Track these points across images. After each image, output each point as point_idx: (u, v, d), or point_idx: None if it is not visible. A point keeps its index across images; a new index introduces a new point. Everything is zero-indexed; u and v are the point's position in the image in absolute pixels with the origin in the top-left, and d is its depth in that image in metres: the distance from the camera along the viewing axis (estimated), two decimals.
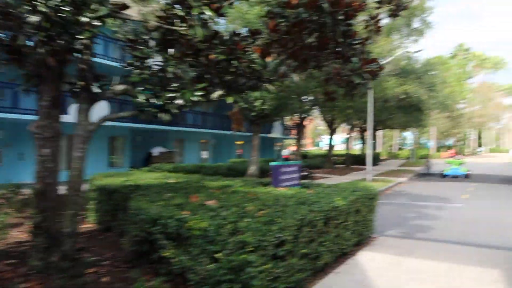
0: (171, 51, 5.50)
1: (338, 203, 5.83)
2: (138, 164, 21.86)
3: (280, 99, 17.69)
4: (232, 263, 3.90)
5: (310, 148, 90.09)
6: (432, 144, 66.34)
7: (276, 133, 37.03)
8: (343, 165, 36.16)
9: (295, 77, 6.43)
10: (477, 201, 14.86)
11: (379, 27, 6.91)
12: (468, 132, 73.77)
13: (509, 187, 20.67)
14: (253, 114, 18.89)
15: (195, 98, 5.52)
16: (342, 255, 6.42)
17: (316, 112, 28.90)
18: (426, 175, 29.28)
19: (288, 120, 33.54)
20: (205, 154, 29.79)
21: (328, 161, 31.67)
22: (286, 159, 9.53)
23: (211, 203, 5.25)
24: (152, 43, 5.84)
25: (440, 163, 36.54)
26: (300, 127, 25.64)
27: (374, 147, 50.86)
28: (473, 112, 62.59)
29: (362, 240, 7.32)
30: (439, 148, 68.65)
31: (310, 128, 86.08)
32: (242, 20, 15.63)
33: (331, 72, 6.81)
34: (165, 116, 5.68)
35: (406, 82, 23.32)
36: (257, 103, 17.98)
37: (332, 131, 32.26)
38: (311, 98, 22.54)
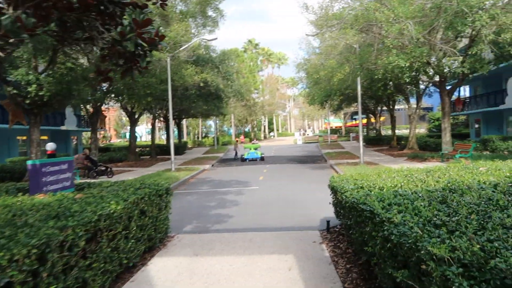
0: None
1: (112, 208, 4.48)
2: None
3: (62, 83, 14.78)
4: None
5: (114, 140, 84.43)
6: (232, 131, 71.73)
7: (70, 125, 32.32)
8: (149, 157, 34.63)
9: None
10: (271, 181, 15.95)
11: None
12: (261, 119, 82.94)
13: (294, 166, 23.47)
14: (27, 102, 15.29)
15: None
16: (127, 271, 5.14)
17: (114, 100, 26.25)
18: (228, 160, 30.79)
19: (82, 110, 29.64)
20: None
21: (132, 153, 29.55)
22: (52, 155, 7.38)
23: None
24: None
25: (241, 148, 39.49)
26: (95, 117, 22.71)
27: (181, 136, 51.20)
28: (264, 101, 70.51)
29: (155, 244, 6.21)
30: (238, 135, 74.95)
31: (113, 119, 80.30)
32: None
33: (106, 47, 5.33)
34: None
35: (204, 70, 23.48)
36: (31, 89, 14.56)
37: (134, 121, 30.20)
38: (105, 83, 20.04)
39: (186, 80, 22.05)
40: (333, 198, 6.61)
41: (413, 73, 18.57)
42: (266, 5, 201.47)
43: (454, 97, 33.18)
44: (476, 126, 37.32)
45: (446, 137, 20.44)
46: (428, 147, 27.51)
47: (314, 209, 9.57)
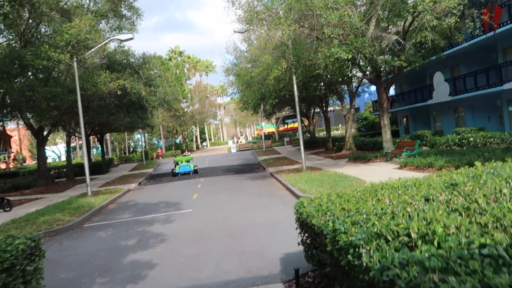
0: None
1: None
2: None
3: None
4: None
5: (29, 163, 75.44)
6: (162, 143, 67.56)
7: None
8: (65, 179, 30.14)
9: None
10: (207, 199, 13.54)
11: None
12: (192, 128, 79.68)
13: (231, 177, 21.26)
14: None
15: None
16: None
17: (11, 116, 22.00)
18: (158, 176, 27.73)
19: None
20: None
21: (42, 177, 25.13)
22: None
23: None
24: None
25: (170, 162, 36.27)
26: None
27: (104, 153, 46.38)
28: (193, 110, 67.49)
29: None
30: (170, 147, 70.86)
31: (26, 138, 71.56)
32: None
33: None
34: None
35: (122, 77, 20.37)
36: None
37: (42, 140, 25.81)
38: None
39: (99, 88, 18.81)
40: (302, 234, 4.44)
41: (351, 68, 17.50)
42: (190, 15, 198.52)
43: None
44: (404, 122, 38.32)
45: (387, 135, 19.64)
46: (365, 146, 26.98)
47: (266, 239, 7.39)
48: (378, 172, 14.29)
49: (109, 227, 10.37)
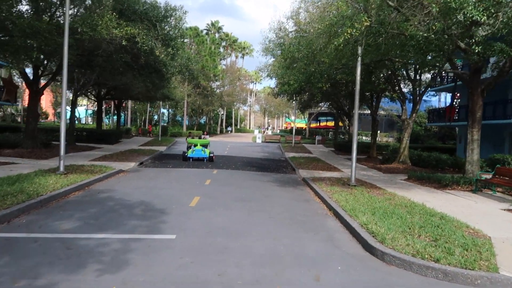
0: None
1: None
2: None
3: None
4: None
5: (52, 120, 73.15)
6: (186, 122, 63.27)
7: None
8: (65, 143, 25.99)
9: None
10: (209, 213, 8.59)
11: None
12: (219, 111, 75.11)
13: (251, 175, 16.35)
14: None
15: None
16: None
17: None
18: (167, 157, 23.30)
19: None
20: None
21: (28, 137, 20.91)
22: None
23: None
24: None
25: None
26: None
27: (119, 122, 42.50)
28: (223, 91, 62.70)
29: None
30: (192, 126, 66.56)
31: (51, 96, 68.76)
32: None
33: None
34: None
35: (132, 25, 15.61)
36: None
37: (36, 92, 21.52)
38: None
39: (99, 32, 14.15)
40: None
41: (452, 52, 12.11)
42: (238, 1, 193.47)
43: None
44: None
45: (473, 154, 14.15)
46: (423, 162, 21.40)
47: None
48: (481, 213, 9.01)
49: (13, 253, 5.61)
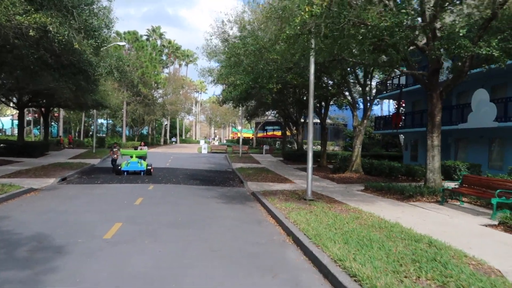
0: None
1: None
2: None
3: None
4: None
5: None
6: (125, 132, 58.96)
7: None
8: None
9: None
10: (128, 249, 6.29)
11: None
12: (163, 121, 71.41)
13: (194, 190, 14.13)
14: None
15: None
16: None
17: None
18: (97, 171, 20.39)
19: None
20: None
21: None
22: None
23: None
24: None
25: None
26: None
27: (48, 132, 37.99)
28: (166, 100, 59.37)
29: None
30: (133, 137, 62.27)
31: None
32: None
33: None
34: None
35: (44, 13, 12.85)
36: None
37: None
38: None
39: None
40: None
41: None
42: (181, 12, 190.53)
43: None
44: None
45: (434, 161, 13.08)
46: (375, 171, 20.48)
47: None
48: (465, 232, 7.62)
49: None
